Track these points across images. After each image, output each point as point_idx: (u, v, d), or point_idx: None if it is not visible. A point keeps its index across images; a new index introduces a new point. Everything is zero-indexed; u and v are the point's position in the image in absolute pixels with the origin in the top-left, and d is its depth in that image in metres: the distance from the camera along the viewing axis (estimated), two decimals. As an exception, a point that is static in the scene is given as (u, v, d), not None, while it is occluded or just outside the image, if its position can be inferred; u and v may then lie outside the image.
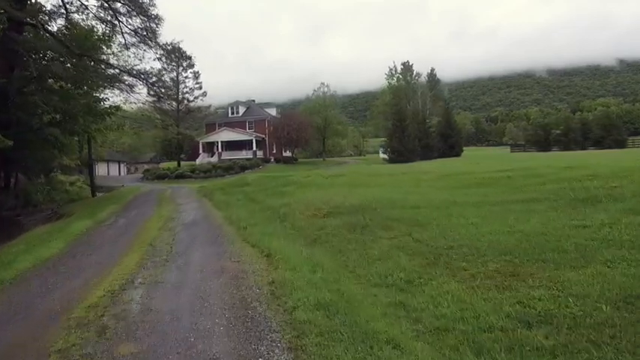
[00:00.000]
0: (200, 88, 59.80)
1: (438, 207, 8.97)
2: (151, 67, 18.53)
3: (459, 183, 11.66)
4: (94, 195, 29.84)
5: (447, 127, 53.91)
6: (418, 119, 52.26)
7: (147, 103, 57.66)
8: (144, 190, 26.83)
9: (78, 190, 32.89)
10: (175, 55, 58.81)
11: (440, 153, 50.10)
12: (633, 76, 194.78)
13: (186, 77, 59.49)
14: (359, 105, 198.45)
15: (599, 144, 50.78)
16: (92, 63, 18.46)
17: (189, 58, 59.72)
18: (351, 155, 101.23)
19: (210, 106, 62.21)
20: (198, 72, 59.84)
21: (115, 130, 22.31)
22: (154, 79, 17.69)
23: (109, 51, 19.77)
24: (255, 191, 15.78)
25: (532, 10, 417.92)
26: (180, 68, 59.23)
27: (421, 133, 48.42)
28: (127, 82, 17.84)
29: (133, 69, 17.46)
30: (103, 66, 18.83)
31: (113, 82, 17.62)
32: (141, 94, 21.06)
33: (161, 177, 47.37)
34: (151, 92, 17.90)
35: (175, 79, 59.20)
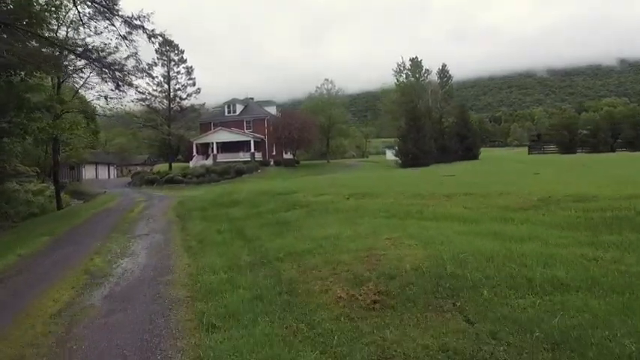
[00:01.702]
0: (194, 84, 55.03)
1: (616, 291, 4.22)
2: (104, 44, 13.84)
3: (584, 219, 6.88)
4: (59, 207, 25.06)
5: (463, 127, 49.16)
6: (433, 118, 47.47)
7: (135, 101, 53.38)
8: (115, 203, 22.10)
9: (44, 201, 28.12)
10: (166, 49, 54.26)
11: (457, 155, 45.43)
12: (635, 76, 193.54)
13: (178, 73, 54.83)
14: (359, 105, 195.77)
15: (632, 145, 46.06)
16: (33, 41, 13.71)
17: (182, 52, 55.12)
18: (353, 156, 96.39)
19: (204, 103, 57.40)
20: (191, 67, 55.09)
21: (67, 130, 17.67)
22: (112, 59, 13.07)
23: (59, 26, 15.00)
24: (245, 217, 11.01)
25: (532, 10, 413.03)
26: (172, 63, 54.68)
27: (437, 134, 43.62)
28: (71, 64, 13.16)
29: (77, 45, 12.76)
30: (47, 46, 14.05)
31: (49, 63, 12.89)
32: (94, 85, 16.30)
33: (150, 182, 42.73)
34: (104, 76, 13.32)
35: (166, 74, 54.55)
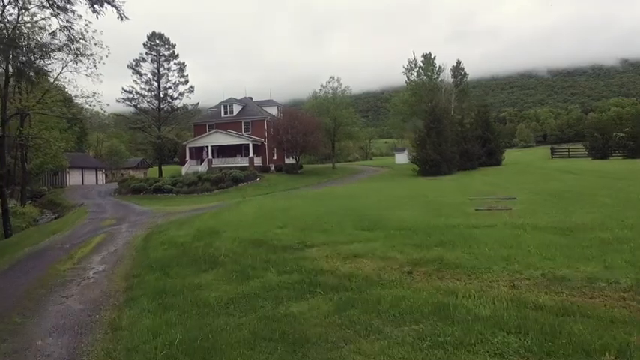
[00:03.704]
0: (186, 82, 50.04)
1: None
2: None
3: None
4: (7, 234, 19.98)
5: (484, 129, 44.23)
6: (453, 120, 42.50)
7: (120, 100, 48.30)
8: (70, 231, 17.07)
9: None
10: (155, 43, 49.27)
11: (480, 162, 40.54)
12: (637, 76, 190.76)
13: (168, 69, 49.76)
14: (360, 105, 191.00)
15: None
16: None
17: (173, 46, 50.13)
18: (357, 159, 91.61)
19: (197, 103, 52.37)
20: (183, 63, 50.18)
21: None
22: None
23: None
24: (225, 307, 5.76)
25: (533, 10, 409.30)
26: (162, 58, 49.70)
27: (458, 138, 38.66)
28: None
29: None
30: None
31: None
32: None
33: (136, 191, 37.77)
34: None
35: (155, 71, 49.58)
